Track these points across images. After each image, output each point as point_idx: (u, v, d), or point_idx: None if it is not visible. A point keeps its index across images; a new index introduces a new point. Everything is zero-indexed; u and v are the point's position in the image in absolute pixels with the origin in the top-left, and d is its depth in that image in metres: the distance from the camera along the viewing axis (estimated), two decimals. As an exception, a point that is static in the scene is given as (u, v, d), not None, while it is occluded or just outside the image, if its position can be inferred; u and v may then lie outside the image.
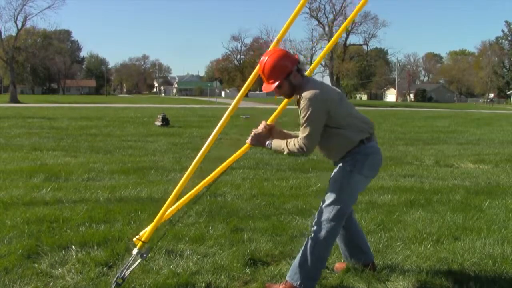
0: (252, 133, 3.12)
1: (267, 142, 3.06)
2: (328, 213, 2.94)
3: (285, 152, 2.96)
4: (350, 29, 58.79)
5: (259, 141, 3.09)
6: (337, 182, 2.96)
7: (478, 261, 3.57)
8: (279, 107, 3.29)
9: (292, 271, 3.01)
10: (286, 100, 3.24)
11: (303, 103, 2.82)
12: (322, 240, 2.94)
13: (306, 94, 2.82)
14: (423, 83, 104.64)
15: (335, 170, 3.04)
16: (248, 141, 3.11)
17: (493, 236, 4.19)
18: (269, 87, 2.92)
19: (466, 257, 3.64)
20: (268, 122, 3.19)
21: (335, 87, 3.10)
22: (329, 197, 2.97)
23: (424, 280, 3.26)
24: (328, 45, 3.92)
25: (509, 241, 4.07)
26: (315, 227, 2.98)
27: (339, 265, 3.40)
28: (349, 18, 3.84)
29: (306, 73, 3.13)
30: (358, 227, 3.39)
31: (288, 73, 2.87)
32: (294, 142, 2.92)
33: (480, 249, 3.85)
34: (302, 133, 2.87)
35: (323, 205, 2.98)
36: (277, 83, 2.88)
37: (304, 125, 2.84)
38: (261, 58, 2.94)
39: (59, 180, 6.40)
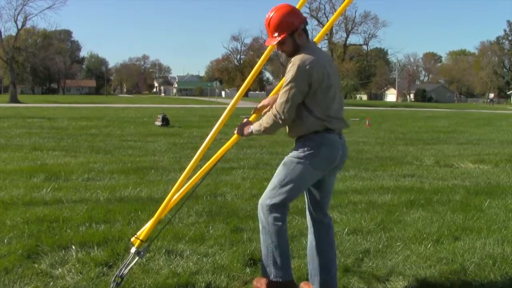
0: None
1: (250, 128, 2.95)
2: (270, 198, 2.80)
3: (262, 130, 2.83)
4: (350, 29, 58.84)
5: (243, 129, 2.99)
6: (284, 167, 2.82)
7: (478, 261, 3.57)
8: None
9: (262, 269, 2.89)
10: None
11: (289, 67, 2.69)
12: (271, 228, 2.78)
13: (296, 59, 2.68)
14: (423, 83, 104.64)
15: (286, 156, 2.89)
16: (235, 131, 3.04)
17: (493, 236, 4.19)
18: (273, 40, 2.79)
19: (466, 257, 3.64)
20: (251, 119, 3.11)
21: (334, 70, 2.84)
22: (273, 182, 2.83)
23: (424, 280, 3.26)
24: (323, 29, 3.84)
25: (509, 241, 4.07)
26: (261, 217, 2.84)
27: (304, 285, 3.09)
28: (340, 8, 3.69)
29: None
30: (330, 237, 2.97)
31: (294, 30, 2.75)
32: (270, 111, 2.80)
33: (480, 249, 3.85)
34: (280, 98, 2.73)
35: (266, 190, 2.85)
36: (281, 37, 2.75)
37: (284, 89, 2.70)
38: (268, 14, 2.81)
39: (59, 180, 6.39)
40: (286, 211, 2.84)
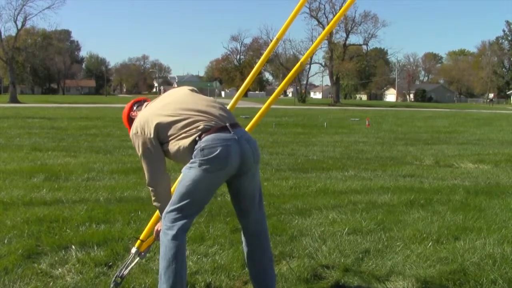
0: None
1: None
2: (168, 207, 2.69)
3: (157, 206, 2.86)
4: (350, 29, 58.90)
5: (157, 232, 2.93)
6: (180, 179, 2.74)
7: (478, 261, 3.57)
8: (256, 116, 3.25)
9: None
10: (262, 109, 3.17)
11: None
12: (164, 242, 2.62)
13: (130, 133, 2.85)
14: (423, 83, 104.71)
15: None
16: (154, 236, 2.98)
17: (493, 236, 4.18)
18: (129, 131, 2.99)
19: (466, 257, 3.64)
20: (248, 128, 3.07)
21: (167, 94, 3.05)
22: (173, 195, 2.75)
23: (424, 280, 3.25)
24: (319, 38, 3.87)
25: (509, 241, 4.07)
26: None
27: None
28: (340, 12, 3.71)
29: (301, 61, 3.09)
30: (262, 253, 2.91)
31: (128, 120, 3.07)
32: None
33: (480, 249, 3.84)
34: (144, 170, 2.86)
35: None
36: (129, 130, 3.00)
37: (141, 161, 2.83)
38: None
39: (59, 180, 6.39)
40: (182, 223, 2.65)
